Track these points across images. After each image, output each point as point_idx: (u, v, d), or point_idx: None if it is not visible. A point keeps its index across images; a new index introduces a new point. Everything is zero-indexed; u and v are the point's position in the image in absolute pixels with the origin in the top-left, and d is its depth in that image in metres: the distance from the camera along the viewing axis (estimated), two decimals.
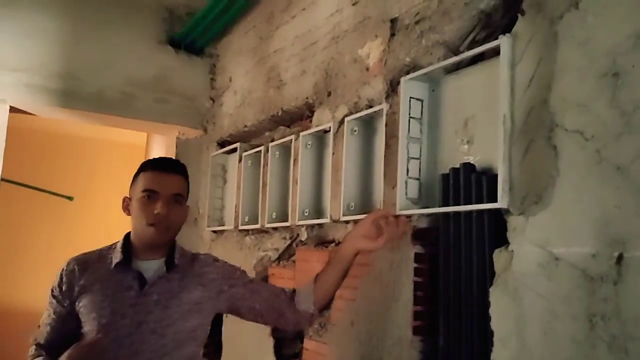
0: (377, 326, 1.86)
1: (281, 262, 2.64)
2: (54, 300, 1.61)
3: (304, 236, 2.41)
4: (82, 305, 1.56)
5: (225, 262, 1.76)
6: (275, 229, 2.64)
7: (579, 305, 1.24)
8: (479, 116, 1.67)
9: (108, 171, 5.96)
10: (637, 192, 1.16)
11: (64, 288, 1.60)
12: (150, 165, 1.65)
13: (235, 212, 2.93)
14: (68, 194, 5.94)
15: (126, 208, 1.66)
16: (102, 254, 1.65)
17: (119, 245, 1.64)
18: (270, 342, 2.45)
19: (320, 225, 2.31)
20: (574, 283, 1.26)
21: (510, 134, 1.45)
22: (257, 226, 2.72)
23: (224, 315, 2.98)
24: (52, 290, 1.62)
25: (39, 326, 1.63)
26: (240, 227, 2.88)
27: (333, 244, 2.22)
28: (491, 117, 1.58)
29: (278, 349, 2.44)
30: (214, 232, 3.28)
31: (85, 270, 1.61)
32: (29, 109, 3.26)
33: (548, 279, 1.32)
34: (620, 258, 1.17)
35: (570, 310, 1.26)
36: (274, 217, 2.61)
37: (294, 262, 2.53)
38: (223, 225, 3.21)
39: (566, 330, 1.26)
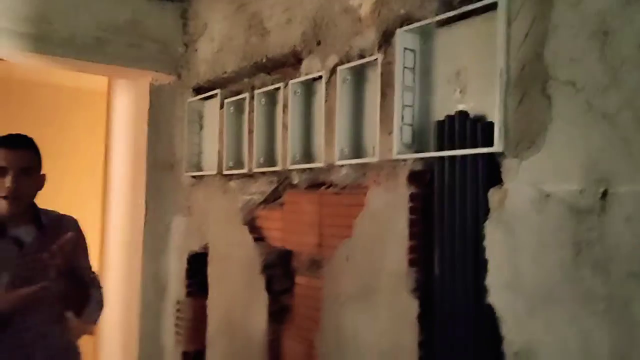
0: (373, 260, 2.05)
1: (267, 205, 2.77)
2: None
3: (295, 180, 2.54)
4: None
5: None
6: (263, 173, 2.76)
7: (567, 235, 1.44)
8: (471, 67, 1.82)
9: (66, 118, 5.84)
10: (620, 137, 1.35)
11: None
12: None
13: (219, 157, 3.02)
14: None
15: None
16: None
17: None
18: (261, 280, 2.61)
19: (311, 169, 2.44)
20: (563, 216, 1.46)
21: (506, 85, 1.61)
22: (244, 171, 2.83)
23: (208, 255, 3.12)
24: None
25: None
26: (225, 172, 2.98)
27: (324, 187, 2.37)
28: (483, 69, 1.74)
29: (269, 286, 2.60)
30: (193, 177, 3.36)
31: None
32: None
33: (538, 213, 1.52)
34: (605, 193, 1.37)
35: (559, 239, 1.46)
36: (261, 161, 2.72)
37: (280, 204, 2.67)
38: (201, 170, 3.29)
39: (554, 256, 1.47)
